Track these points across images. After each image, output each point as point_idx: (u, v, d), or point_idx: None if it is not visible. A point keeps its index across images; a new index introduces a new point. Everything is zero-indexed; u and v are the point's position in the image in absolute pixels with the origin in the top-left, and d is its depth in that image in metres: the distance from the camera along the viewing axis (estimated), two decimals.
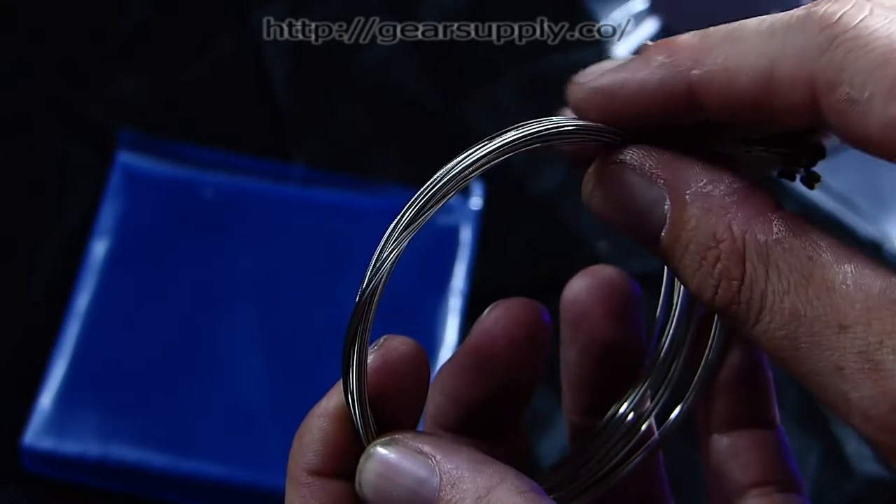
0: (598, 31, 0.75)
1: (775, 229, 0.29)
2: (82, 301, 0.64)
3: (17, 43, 0.74)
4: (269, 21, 0.75)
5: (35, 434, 0.60)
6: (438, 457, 0.30)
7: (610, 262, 0.68)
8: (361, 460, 0.31)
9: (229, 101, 0.73)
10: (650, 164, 0.31)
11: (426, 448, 0.30)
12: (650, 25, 0.75)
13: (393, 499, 0.30)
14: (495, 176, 0.70)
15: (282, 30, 0.75)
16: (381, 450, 0.31)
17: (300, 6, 0.75)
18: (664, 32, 0.75)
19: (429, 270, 0.66)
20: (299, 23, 0.75)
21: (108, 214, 0.66)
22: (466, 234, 0.67)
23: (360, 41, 0.75)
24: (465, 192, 0.68)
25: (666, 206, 0.30)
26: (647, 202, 0.30)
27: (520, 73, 0.74)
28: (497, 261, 0.68)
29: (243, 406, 0.62)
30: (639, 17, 0.75)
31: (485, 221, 0.68)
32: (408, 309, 0.65)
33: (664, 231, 0.30)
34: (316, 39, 0.75)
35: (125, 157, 0.68)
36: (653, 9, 0.76)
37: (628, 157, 0.31)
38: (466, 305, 0.65)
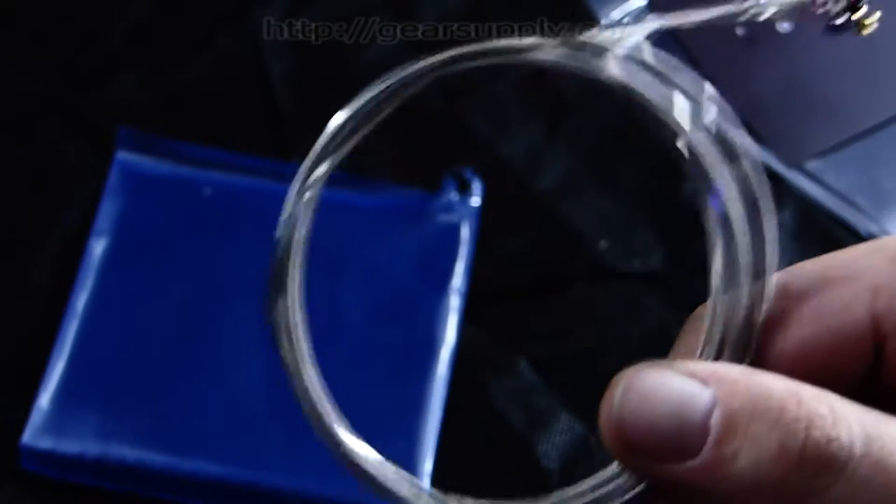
0: (598, 30, 0.75)
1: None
2: (81, 300, 0.64)
3: (17, 43, 0.74)
4: (269, 21, 0.75)
5: (33, 434, 0.60)
6: (713, 376, 0.29)
7: (610, 261, 0.68)
8: (618, 379, 0.30)
9: (229, 100, 0.73)
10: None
11: (699, 369, 0.29)
12: (649, 24, 0.75)
13: (651, 418, 0.29)
14: (495, 174, 0.70)
15: (282, 30, 0.75)
16: (645, 366, 0.30)
17: (300, 6, 0.75)
18: (664, 31, 0.75)
19: (428, 268, 0.66)
20: (299, 23, 0.75)
21: (107, 213, 0.66)
22: (466, 232, 0.67)
23: (360, 41, 0.75)
24: (465, 190, 0.68)
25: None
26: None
27: (520, 73, 0.74)
28: (497, 259, 0.68)
29: (243, 405, 0.62)
30: (638, 16, 0.75)
31: (484, 220, 0.68)
32: (407, 307, 0.65)
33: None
34: (316, 39, 0.75)
35: (124, 156, 0.68)
36: (652, 7, 0.75)
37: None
38: (466, 304, 0.65)
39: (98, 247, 0.65)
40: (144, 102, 0.72)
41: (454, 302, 0.65)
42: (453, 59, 0.31)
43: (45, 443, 0.60)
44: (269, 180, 0.68)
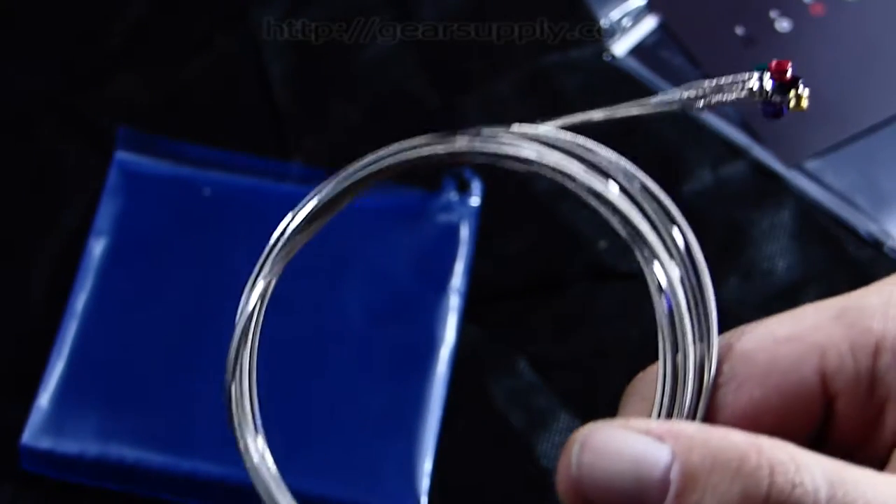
0: (598, 29, 0.75)
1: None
2: (81, 300, 0.64)
3: (17, 43, 0.74)
4: (268, 21, 0.75)
5: (33, 434, 0.60)
6: (669, 433, 0.29)
7: (610, 261, 0.68)
8: (573, 437, 0.30)
9: (229, 100, 0.73)
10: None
11: (654, 427, 0.29)
12: (649, 23, 0.75)
13: (609, 475, 0.29)
14: (495, 173, 0.69)
15: (282, 30, 0.75)
16: (600, 425, 0.29)
17: (300, 6, 0.75)
18: (663, 31, 0.75)
19: (428, 268, 0.66)
20: (299, 23, 0.75)
21: (106, 213, 0.66)
22: (465, 232, 0.67)
23: (360, 41, 0.75)
24: (465, 190, 0.68)
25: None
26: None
27: (520, 72, 0.74)
28: (497, 259, 0.68)
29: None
30: (638, 15, 0.75)
31: (484, 219, 0.68)
32: (406, 307, 0.65)
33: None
34: (316, 39, 0.75)
35: (123, 156, 0.68)
36: (652, 6, 0.75)
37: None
38: (466, 304, 0.65)
39: (98, 247, 0.65)
40: (144, 102, 0.72)
41: (454, 302, 0.65)
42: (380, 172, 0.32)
43: (45, 443, 0.60)
44: (268, 180, 0.68)
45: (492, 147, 0.32)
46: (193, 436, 0.61)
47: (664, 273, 0.31)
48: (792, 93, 0.32)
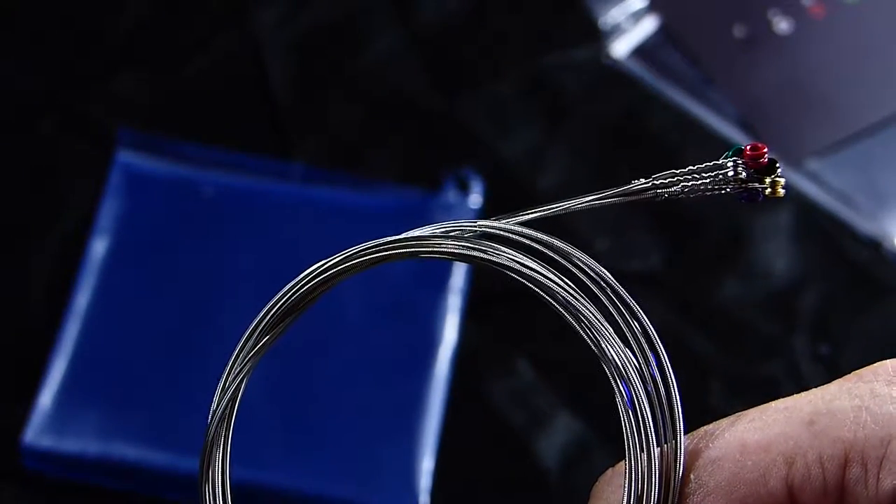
0: (598, 29, 0.75)
1: None
2: (82, 300, 0.64)
3: (17, 43, 0.74)
4: (269, 21, 0.75)
5: (35, 433, 0.60)
6: None
7: (610, 261, 0.68)
8: None
9: (229, 99, 0.73)
10: None
11: None
12: (649, 23, 0.75)
13: None
14: (495, 173, 0.70)
15: (282, 29, 0.75)
16: None
17: (300, 6, 0.75)
18: (663, 31, 0.75)
19: (428, 268, 0.66)
20: (299, 23, 0.75)
21: (108, 213, 0.66)
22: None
23: (360, 41, 0.75)
24: (465, 191, 0.68)
25: None
26: None
27: (520, 72, 0.74)
28: None
29: (243, 405, 0.62)
30: (637, 15, 0.75)
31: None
32: (407, 307, 0.65)
33: None
34: (316, 39, 0.75)
35: (124, 156, 0.68)
36: (652, 7, 0.76)
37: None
38: (466, 304, 0.65)
39: (99, 246, 0.65)
40: (144, 102, 0.72)
41: (454, 302, 0.65)
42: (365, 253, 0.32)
43: (46, 442, 0.60)
44: (269, 180, 0.68)
45: (465, 251, 0.33)
46: (194, 435, 0.61)
47: (620, 361, 0.31)
48: (768, 179, 0.31)
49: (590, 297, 0.32)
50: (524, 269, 0.32)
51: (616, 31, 0.75)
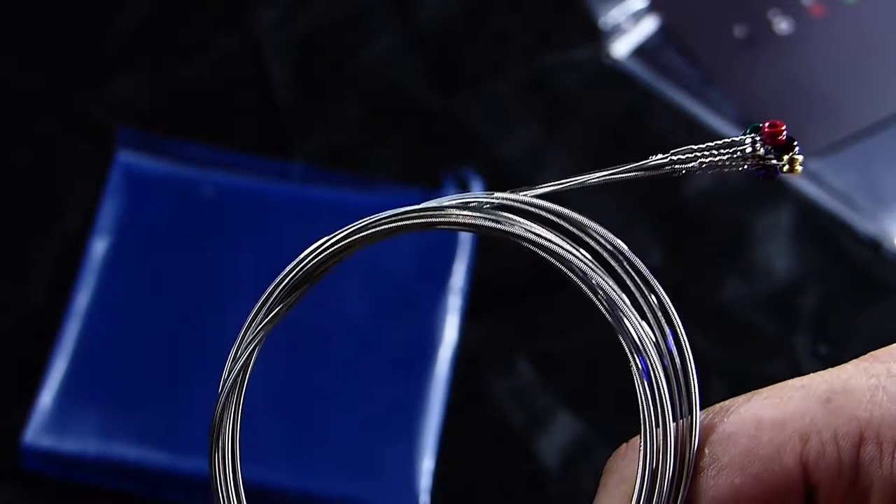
0: (598, 29, 0.75)
1: None
2: (82, 300, 0.64)
3: (17, 43, 0.74)
4: (269, 21, 0.75)
5: (35, 433, 0.60)
6: None
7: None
8: None
9: (229, 99, 0.73)
10: None
11: None
12: (649, 24, 0.75)
13: None
14: (495, 173, 0.70)
15: (282, 29, 0.75)
16: None
17: (300, 6, 0.75)
18: (663, 31, 0.75)
19: (428, 268, 0.66)
20: (299, 22, 0.75)
21: (108, 213, 0.66)
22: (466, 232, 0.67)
23: (360, 41, 0.75)
24: (465, 191, 0.68)
25: None
26: None
27: (520, 72, 0.74)
28: (497, 259, 0.68)
29: (244, 404, 0.62)
30: (638, 16, 0.75)
31: None
32: (407, 307, 0.65)
33: None
34: (316, 39, 0.75)
35: (124, 156, 0.68)
36: (652, 7, 0.76)
37: None
38: (466, 303, 0.65)
39: (99, 246, 0.65)
40: (145, 102, 0.72)
41: (454, 301, 0.65)
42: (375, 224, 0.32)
43: (47, 442, 0.60)
44: (269, 180, 0.68)
45: (480, 222, 0.32)
46: (194, 435, 0.61)
47: (636, 335, 0.31)
48: (786, 157, 0.31)
49: (607, 270, 0.32)
50: (540, 240, 0.32)
51: (616, 31, 0.75)
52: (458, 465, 0.62)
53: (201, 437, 0.61)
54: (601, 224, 0.33)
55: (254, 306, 0.32)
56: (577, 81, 0.74)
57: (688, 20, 0.75)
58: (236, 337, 0.33)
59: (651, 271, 0.33)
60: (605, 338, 0.66)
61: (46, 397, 0.61)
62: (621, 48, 0.74)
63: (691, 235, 0.69)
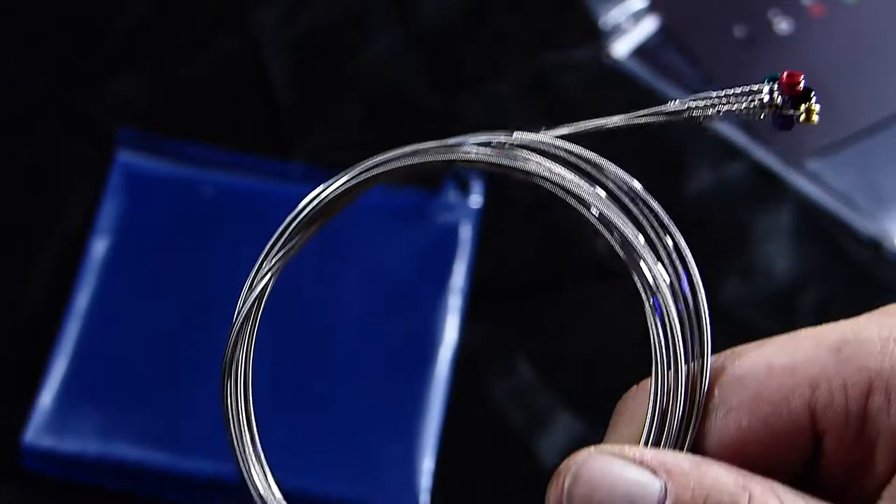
0: (598, 29, 0.75)
1: None
2: (82, 300, 0.64)
3: (17, 43, 0.74)
4: (269, 21, 0.75)
5: (35, 433, 0.60)
6: (663, 466, 0.29)
7: (611, 260, 0.68)
8: (566, 466, 0.30)
9: (229, 99, 0.73)
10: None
11: (648, 457, 0.29)
12: (649, 24, 0.75)
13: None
14: (495, 174, 0.70)
15: (282, 29, 0.75)
16: (593, 454, 0.30)
17: (300, 6, 0.75)
18: (663, 31, 0.75)
19: (428, 268, 0.66)
20: (299, 23, 0.75)
21: (108, 213, 0.66)
22: (466, 232, 0.67)
23: (360, 41, 0.75)
24: (465, 191, 0.68)
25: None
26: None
27: (520, 73, 0.74)
28: (497, 259, 0.68)
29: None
30: (638, 16, 0.75)
31: (485, 219, 0.68)
32: (407, 307, 0.65)
33: None
34: (316, 39, 0.75)
35: (125, 156, 0.68)
36: (652, 7, 0.76)
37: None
38: (466, 303, 0.65)
39: (99, 246, 0.65)
40: (144, 102, 0.73)
41: (454, 301, 0.65)
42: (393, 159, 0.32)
43: (47, 442, 0.60)
44: (269, 180, 0.68)
45: (496, 158, 0.32)
46: (194, 435, 0.61)
47: (651, 276, 0.31)
48: (803, 106, 0.31)
49: (623, 210, 0.32)
50: (555, 177, 0.32)
51: (616, 31, 0.75)
52: (458, 465, 0.62)
53: (201, 437, 0.61)
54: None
55: (274, 234, 0.32)
56: (577, 81, 0.74)
57: (688, 20, 0.75)
58: (252, 267, 0.33)
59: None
60: (605, 338, 0.67)
61: (46, 397, 0.61)
62: (621, 48, 0.74)
63: (691, 235, 0.69)
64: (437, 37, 0.75)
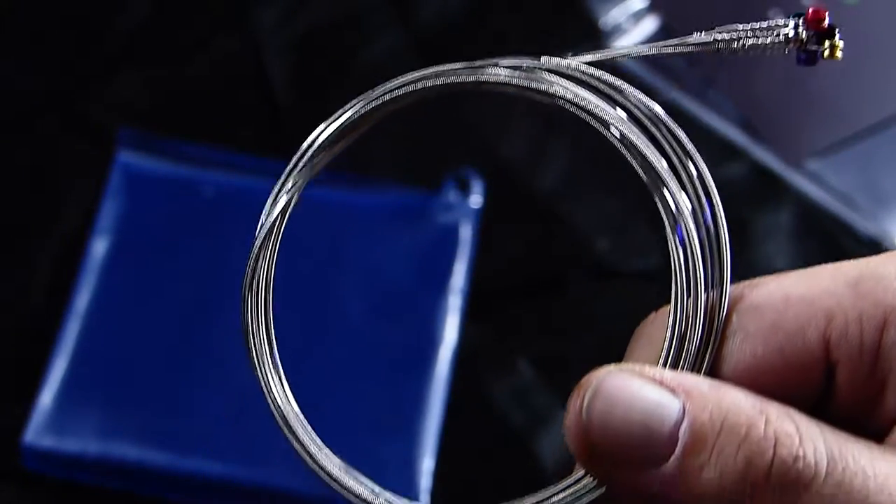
0: (598, 29, 0.75)
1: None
2: (82, 300, 0.64)
3: (17, 43, 0.74)
4: (268, 21, 0.75)
5: (35, 433, 0.60)
6: (682, 387, 0.29)
7: (611, 260, 0.68)
8: (586, 381, 0.30)
9: (229, 100, 0.73)
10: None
11: (667, 378, 0.29)
12: (649, 24, 0.75)
13: (619, 425, 0.29)
14: (495, 173, 0.70)
15: (282, 29, 0.75)
16: (613, 371, 0.30)
17: (300, 6, 0.76)
18: (663, 31, 0.75)
19: (428, 269, 0.66)
20: (299, 23, 0.75)
21: (108, 213, 0.66)
22: (466, 232, 0.67)
23: (360, 41, 0.75)
24: (465, 191, 0.68)
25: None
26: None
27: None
28: (497, 259, 0.68)
29: (244, 405, 0.62)
30: (638, 16, 0.75)
31: (484, 219, 0.68)
32: (407, 307, 0.65)
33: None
34: (316, 39, 0.75)
35: (125, 156, 0.68)
36: (652, 7, 0.76)
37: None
38: (466, 304, 0.65)
39: (99, 246, 0.65)
40: (145, 102, 0.73)
41: (454, 302, 0.65)
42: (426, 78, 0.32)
43: (47, 442, 0.60)
44: (269, 180, 0.68)
45: (520, 81, 0.33)
46: (195, 435, 0.61)
47: (675, 202, 0.32)
48: (827, 42, 0.32)
49: (646, 135, 0.32)
50: (579, 100, 0.32)
51: (616, 31, 0.75)
52: (458, 465, 0.62)
53: (201, 437, 0.61)
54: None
55: (299, 150, 0.32)
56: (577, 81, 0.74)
57: (688, 20, 0.75)
58: (276, 183, 0.33)
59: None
60: (605, 338, 0.67)
61: (46, 397, 0.61)
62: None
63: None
64: (437, 37, 0.75)
